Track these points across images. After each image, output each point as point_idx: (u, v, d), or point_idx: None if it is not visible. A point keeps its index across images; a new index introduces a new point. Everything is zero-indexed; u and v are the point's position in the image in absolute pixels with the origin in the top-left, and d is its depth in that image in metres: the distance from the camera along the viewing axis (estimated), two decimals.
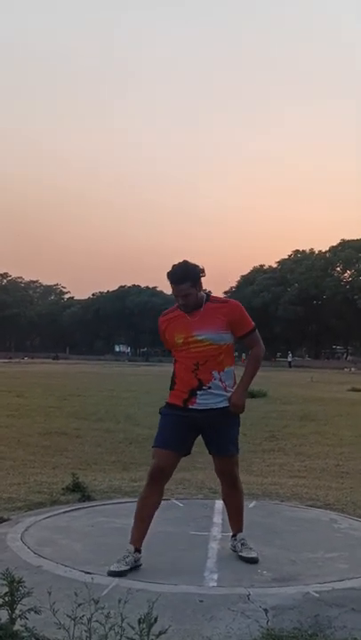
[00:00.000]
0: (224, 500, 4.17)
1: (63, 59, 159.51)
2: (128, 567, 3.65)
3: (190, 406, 3.82)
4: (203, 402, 3.81)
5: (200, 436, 3.96)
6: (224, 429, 3.89)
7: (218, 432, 3.88)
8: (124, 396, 17.89)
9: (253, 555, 3.87)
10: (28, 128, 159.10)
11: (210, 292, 4.00)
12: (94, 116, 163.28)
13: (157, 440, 3.90)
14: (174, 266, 3.82)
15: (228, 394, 3.86)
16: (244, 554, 3.89)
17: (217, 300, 3.99)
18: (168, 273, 3.83)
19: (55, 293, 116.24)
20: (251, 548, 3.92)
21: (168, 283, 3.85)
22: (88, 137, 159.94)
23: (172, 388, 3.95)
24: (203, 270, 3.85)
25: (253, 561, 3.83)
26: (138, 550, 3.77)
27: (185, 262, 3.82)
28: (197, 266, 3.83)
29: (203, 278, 3.85)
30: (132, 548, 3.76)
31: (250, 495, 5.63)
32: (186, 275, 3.79)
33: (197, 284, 3.83)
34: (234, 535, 4.06)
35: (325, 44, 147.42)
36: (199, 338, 3.79)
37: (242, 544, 3.96)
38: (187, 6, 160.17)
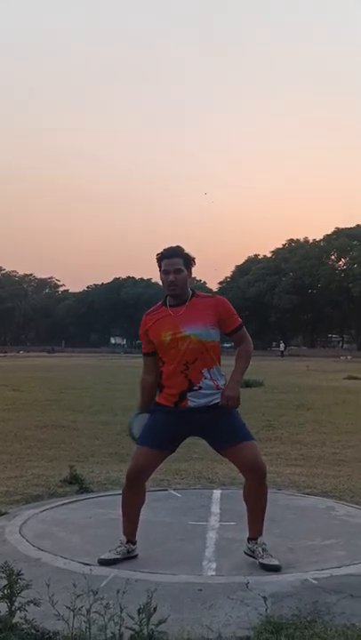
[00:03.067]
0: (247, 500, 3.77)
1: (56, 56, 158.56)
2: (119, 556, 3.67)
3: (182, 407, 3.68)
4: (195, 403, 3.66)
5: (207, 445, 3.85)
6: (227, 419, 3.69)
7: (221, 424, 3.68)
8: (121, 388, 17.88)
9: (276, 562, 3.58)
10: (24, 120, 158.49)
11: (194, 290, 3.81)
12: (92, 112, 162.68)
13: (141, 437, 3.77)
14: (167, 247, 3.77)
15: (220, 392, 3.69)
16: (265, 561, 3.59)
17: (203, 295, 3.84)
18: (160, 252, 3.73)
19: (50, 287, 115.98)
20: (272, 555, 3.64)
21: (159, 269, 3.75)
22: (83, 130, 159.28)
23: (160, 390, 3.80)
24: (194, 259, 3.77)
25: (276, 569, 3.53)
26: (130, 542, 3.78)
27: (178, 245, 3.78)
28: (190, 253, 3.77)
29: (193, 269, 3.77)
30: (124, 538, 3.78)
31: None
32: (179, 251, 3.72)
33: (188, 267, 3.73)
34: (254, 539, 3.74)
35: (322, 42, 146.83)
36: (187, 333, 3.63)
37: (263, 549, 3.67)
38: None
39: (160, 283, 3.82)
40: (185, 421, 3.70)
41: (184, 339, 3.64)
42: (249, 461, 3.67)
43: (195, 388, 3.66)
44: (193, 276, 3.80)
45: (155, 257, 3.78)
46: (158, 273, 3.77)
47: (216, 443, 3.76)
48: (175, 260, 3.69)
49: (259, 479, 3.69)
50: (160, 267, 3.73)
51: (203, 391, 3.67)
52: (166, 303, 3.78)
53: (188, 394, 3.66)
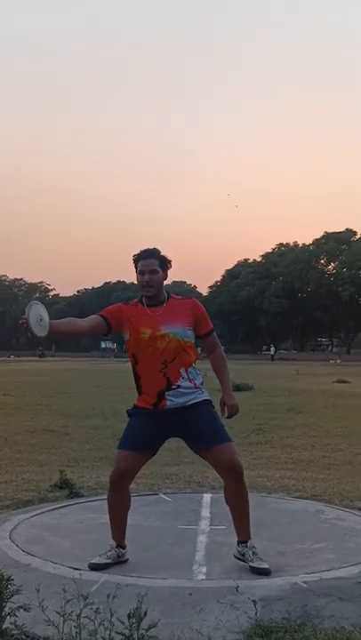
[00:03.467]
0: (229, 503, 3.77)
1: (55, 56, 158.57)
2: (109, 561, 3.68)
3: (161, 408, 3.67)
4: (173, 403, 3.65)
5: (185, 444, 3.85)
6: (205, 419, 3.69)
7: (199, 424, 3.68)
8: (111, 392, 17.86)
9: (266, 566, 3.58)
10: (16, 124, 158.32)
11: (169, 292, 3.84)
12: (83, 113, 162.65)
13: (122, 442, 3.78)
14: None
15: (198, 391, 3.72)
16: (256, 564, 3.59)
17: (179, 297, 3.87)
18: (136, 253, 3.78)
19: (40, 291, 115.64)
20: (262, 559, 3.64)
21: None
22: (75, 134, 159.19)
23: (139, 393, 3.78)
24: (170, 262, 3.80)
25: (266, 572, 3.53)
26: (120, 546, 3.79)
27: (155, 247, 3.82)
28: (166, 255, 3.81)
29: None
30: (113, 543, 3.79)
31: None
32: (155, 252, 3.76)
33: (164, 269, 3.76)
34: (243, 542, 3.73)
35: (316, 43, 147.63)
36: (166, 332, 3.65)
37: (253, 552, 3.66)
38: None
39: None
40: (164, 423, 3.70)
41: (163, 337, 3.65)
42: (227, 462, 3.66)
43: (173, 386, 3.66)
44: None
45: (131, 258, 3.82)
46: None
47: (195, 443, 3.74)
48: (151, 260, 3.73)
49: (236, 479, 3.68)
50: (136, 267, 3.77)
51: (181, 390, 3.67)
52: (143, 303, 3.80)
53: (167, 393, 3.66)
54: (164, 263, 3.77)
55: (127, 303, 3.87)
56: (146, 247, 3.82)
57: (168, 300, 3.79)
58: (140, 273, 3.75)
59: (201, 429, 3.69)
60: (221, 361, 3.93)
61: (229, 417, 3.84)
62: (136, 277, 3.79)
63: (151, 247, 3.80)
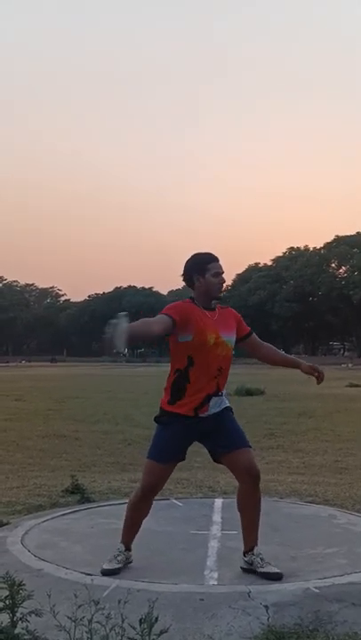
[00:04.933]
0: (243, 508, 3.72)
1: (55, 56, 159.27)
2: (120, 565, 3.69)
3: (201, 414, 3.60)
4: (214, 408, 3.64)
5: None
6: (228, 424, 3.68)
7: (228, 427, 3.67)
8: (122, 397, 17.89)
9: (276, 570, 3.56)
10: (24, 128, 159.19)
11: None
12: (90, 116, 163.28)
13: (157, 454, 3.66)
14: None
15: (226, 397, 3.76)
16: (266, 569, 3.56)
17: (219, 305, 3.79)
18: (204, 253, 3.69)
19: (51, 296, 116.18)
20: (271, 563, 3.62)
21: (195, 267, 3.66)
22: (84, 138, 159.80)
23: (180, 397, 3.61)
24: None
25: (278, 577, 3.51)
26: (128, 549, 3.79)
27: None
28: None
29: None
30: (122, 546, 3.78)
31: None
32: None
33: None
34: (250, 550, 3.69)
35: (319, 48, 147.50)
36: (225, 339, 3.62)
37: (261, 559, 3.63)
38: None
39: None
40: (198, 430, 3.66)
41: (223, 344, 3.63)
42: (246, 465, 3.64)
43: (220, 393, 3.68)
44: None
45: (196, 257, 3.68)
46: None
47: (220, 446, 3.70)
48: (221, 264, 3.71)
49: (253, 482, 3.66)
50: (205, 269, 3.63)
51: (223, 397, 3.71)
52: (197, 305, 3.66)
53: (214, 397, 3.64)
54: None
55: (186, 302, 3.67)
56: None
57: (218, 306, 3.74)
58: (215, 274, 3.64)
59: (224, 433, 3.67)
60: (273, 348, 3.99)
61: (322, 380, 3.90)
62: (200, 278, 3.63)
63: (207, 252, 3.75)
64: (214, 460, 3.81)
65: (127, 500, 3.95)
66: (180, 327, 3.51)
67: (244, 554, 3.72)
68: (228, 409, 3.77)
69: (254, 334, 3.88)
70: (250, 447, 3.73)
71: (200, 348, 3.54)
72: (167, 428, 3.66)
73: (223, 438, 3.68)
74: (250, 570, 3.65)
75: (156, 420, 3.74)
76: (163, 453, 3.67)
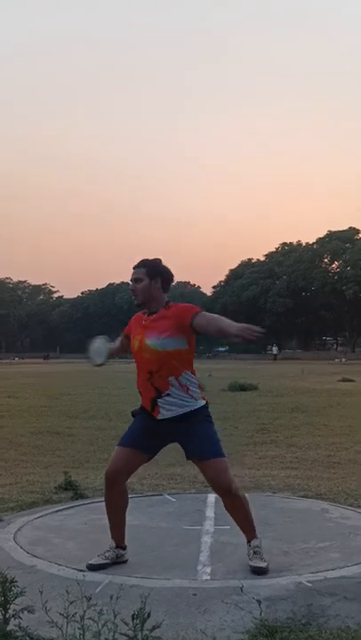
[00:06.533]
0: (228, 511, 3.79)
1: (55, 56, 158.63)
2: (107, 561, 3.69)
3: (157, 417, 3.67)
4: (166, 411, 3.64)
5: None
6: (197, 431, 3.64)
7: (191, 436, 3.65)
8: (115, 393, 17.87)
9: (261, 565, 3.59)
10: (20, 124, 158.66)
11: (170, 301, 3.75)
12: (88, 113, 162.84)
13: (120, 439, 3.83)
14: None
15: (192, 399, 3.66)
16: (252, 563, 3.62)
17: (175, 305, 3.71)
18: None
19: (44, 293, 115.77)
20: (262, 558, 3.65)
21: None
22: (82, 135, 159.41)
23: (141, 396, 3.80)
24: (170, 274, 3.75)
25: (261, 572, 3.54)
26: (120, 547, 3.80)
27: (154, 258, 3.79)
28: (166, 266, 3.75)
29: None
30: (113, 543, 3.79)
31: (242, 488, 5.64)
32: (145, 262, 3.74)
33: (155, 277, 3.68)
34: (248, 541, 3.76)
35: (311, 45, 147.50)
36: (147, 343, 3.63)
37: (254, 552, 3.67)
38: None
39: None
40: (160, 429, 3.70)
41: (146, 348, 3.64)
42: (213, 479, 3.66)
43: (163, 394, 3.63)
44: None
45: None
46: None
47: (187, 452, 3.72)
48: (139, 270, 3.73)
49: (223, 495, 3.69)
50: (133, 273, 3.78)
51: (172, 398, 3.63)
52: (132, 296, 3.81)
53: (159, 400, 3.64)
54: (155, 273, 3.71)
55: (138, 313, 3.86)
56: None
57: (164, 308, 3.69)
58: (134, 283, 3.76)
59: (193, 441, 3.66)
60: (214, 320, 3.55)
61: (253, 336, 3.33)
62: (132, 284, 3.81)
63: (151, 258, 3.78)
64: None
65: None
66: (127, 337, 3.89)
67: (247, 543, 3.78)
68: (201, 412, 3.68)
69: (198, 318, 3.52)
70: (220, 457, 3.65)
71: (133, 354, 3.75)
72: (134, 419, 3.84)
73: (192, 445, 3.67)
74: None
75: (132, 414, 3.90)
76: (122, 437, 3.83)
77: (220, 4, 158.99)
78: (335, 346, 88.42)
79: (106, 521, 3.87)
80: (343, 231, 76.31)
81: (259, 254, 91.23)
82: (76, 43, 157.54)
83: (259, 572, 3.55)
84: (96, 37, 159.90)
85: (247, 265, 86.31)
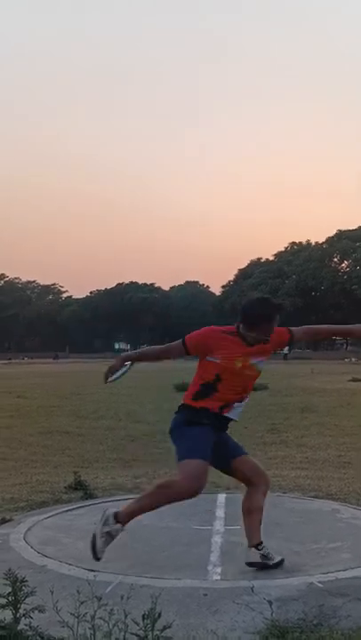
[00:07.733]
0: (254, 509, 3.76)
1: (55, 57, 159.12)
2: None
3: (225, 414, 3.67)
4: (235, 413, 3.71)
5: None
6: (229, 436, 3.87)
7: (228, 437, 3.84)
8: (125, 393, 17.86)
9: (254, 560, 3.70)
10: (26, 126, 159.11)
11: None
12: (90, 113, 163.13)
13: (199, 451, 3.55)
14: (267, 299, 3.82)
15: None
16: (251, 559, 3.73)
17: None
18: (279, 304, 3.87)
19: (53, 293, 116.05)
20: (268, 555, 3.72)
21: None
22: (86, 135, 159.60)
23: (206, 397, 3.67)
24: (246, 313, 3.73)
25: (252, 565, 3.66)
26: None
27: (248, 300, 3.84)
28: (246, 309, 3.74)
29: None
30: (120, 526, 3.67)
31: None
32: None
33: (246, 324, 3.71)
34: (260, 543, 3.73)
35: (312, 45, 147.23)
36: (253, 363, 3.67)
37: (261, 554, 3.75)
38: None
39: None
40: (217, 430, 3.70)
41: (251, 367, 3.68)
42: (258, 467, 3.85)
43: (243, 400, 3.74)
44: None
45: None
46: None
47: (229, 452, 3.79)
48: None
49: (267, 482, 3.86)
50: (273, 317, 3.66)
51: (243, 404, 3.74)
52: (239, 335, 3.67)
53: (236, 403, 3.70)
54: (246, 321, 3.71)
55: (223, 331, 3.73)
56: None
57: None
58: (267, 326, 3.64)
59: (229, 442, 3.84)
60: (313, 328, 4.06)
61: None
62: (264, 323, 3.64)
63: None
64: (220, 468, 3.86)
65: (130, 496, 3.92)
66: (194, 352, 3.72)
67: (259, 545, 3.71)
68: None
69: (294, 333, 3.83)
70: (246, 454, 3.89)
71: (226, 370, 3.63)
72: (197, 428, 3.63)
73: (230, 445, 3.82)
74: (263, 563, 3.66)
75: (185, 422, 3.68)
76: (202, 450, 3.58)
77: (220, 4, 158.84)
78: (345, 345, 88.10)
79: None
80: (353, 230, 76.15)
81: (268, 254, 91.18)
82: (76, 43, 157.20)
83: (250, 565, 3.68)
84: (96, 37, 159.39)
85: (256, 264, 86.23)
